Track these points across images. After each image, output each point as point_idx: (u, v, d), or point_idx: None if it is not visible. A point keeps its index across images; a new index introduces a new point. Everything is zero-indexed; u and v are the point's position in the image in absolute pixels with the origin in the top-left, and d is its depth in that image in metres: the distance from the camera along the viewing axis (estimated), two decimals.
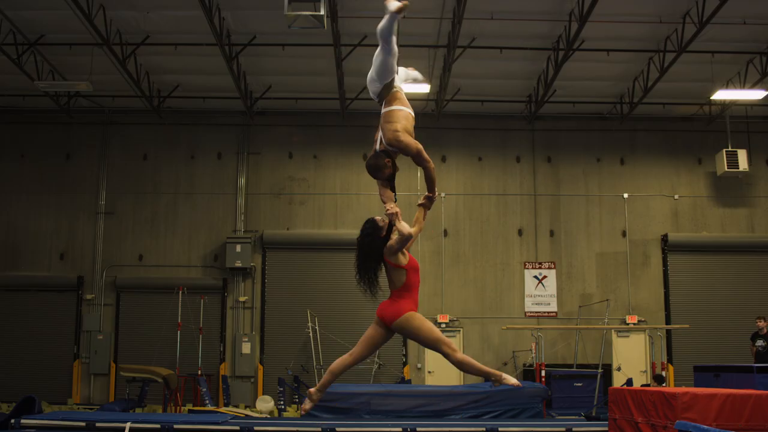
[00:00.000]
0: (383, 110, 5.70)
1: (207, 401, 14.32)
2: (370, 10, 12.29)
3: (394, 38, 5.62)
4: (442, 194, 17.26)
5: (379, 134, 5.64)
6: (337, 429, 9.24)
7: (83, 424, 8.89)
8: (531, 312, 16.96)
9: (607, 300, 16.51)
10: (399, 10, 5.41)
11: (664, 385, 13.11)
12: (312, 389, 5.64)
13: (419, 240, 16.78)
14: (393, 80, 5.75)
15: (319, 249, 16.91)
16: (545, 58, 14.93)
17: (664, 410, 7.71)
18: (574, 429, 9.67)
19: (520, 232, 17.30)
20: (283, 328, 16.70)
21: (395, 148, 5.55)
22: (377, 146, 5.62)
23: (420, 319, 5.42)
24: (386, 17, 5.52)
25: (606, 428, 9.34)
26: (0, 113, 17.44)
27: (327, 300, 16.59)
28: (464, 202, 17.38)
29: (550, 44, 14.36)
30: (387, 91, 5.76)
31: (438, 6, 13.00)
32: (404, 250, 5.46)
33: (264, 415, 13.94)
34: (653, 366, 14.36)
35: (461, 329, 16.90)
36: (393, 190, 5.70)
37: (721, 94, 15.49)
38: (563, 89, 16.01)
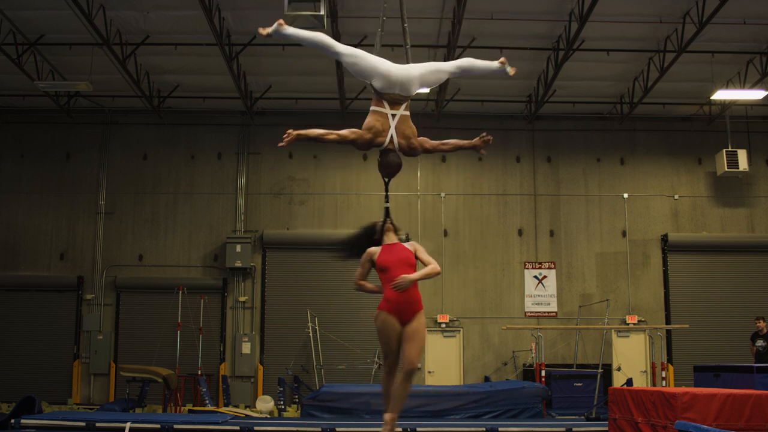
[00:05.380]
0: (409, 113, 5.93)
1: (207, 401, 14.31)
2: (370, 10, 12.28)
3: (330, 44, 5.82)
4: (442, 194, 17.27)
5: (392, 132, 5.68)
6: (337, 429, 9.23)
7: (83, 424, 8.87)
8: (531, 312, 16.96)
9: (607, 300, 16.51)
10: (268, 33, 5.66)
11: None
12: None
13: (419, 240, 16.79)
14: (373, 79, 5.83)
15: (319, 249, 16.87)
16: (545, 58, 14.93)
17: (664, 410, 7.70)
18: (574, 429, 9.65)
19: (520, 232, 17.30)
20: (283, 328, 16.69)
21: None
22: (394, 145, 5.76)
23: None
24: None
25: (606, 428, 9.33)
26: (0, 113, 17.46)
27: (327, 300, 16.58)
28: (464, 202, 17.37)
29: (550, 44, 14.36)
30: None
31: (438, 6, 13.00)
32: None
33: (264, 415, 13.93)
34: (653, 366, 14.36)
35: (461, 329, 16.90)
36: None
37: (721, 94, 15.47)
38: (563, 89, 16.01)
